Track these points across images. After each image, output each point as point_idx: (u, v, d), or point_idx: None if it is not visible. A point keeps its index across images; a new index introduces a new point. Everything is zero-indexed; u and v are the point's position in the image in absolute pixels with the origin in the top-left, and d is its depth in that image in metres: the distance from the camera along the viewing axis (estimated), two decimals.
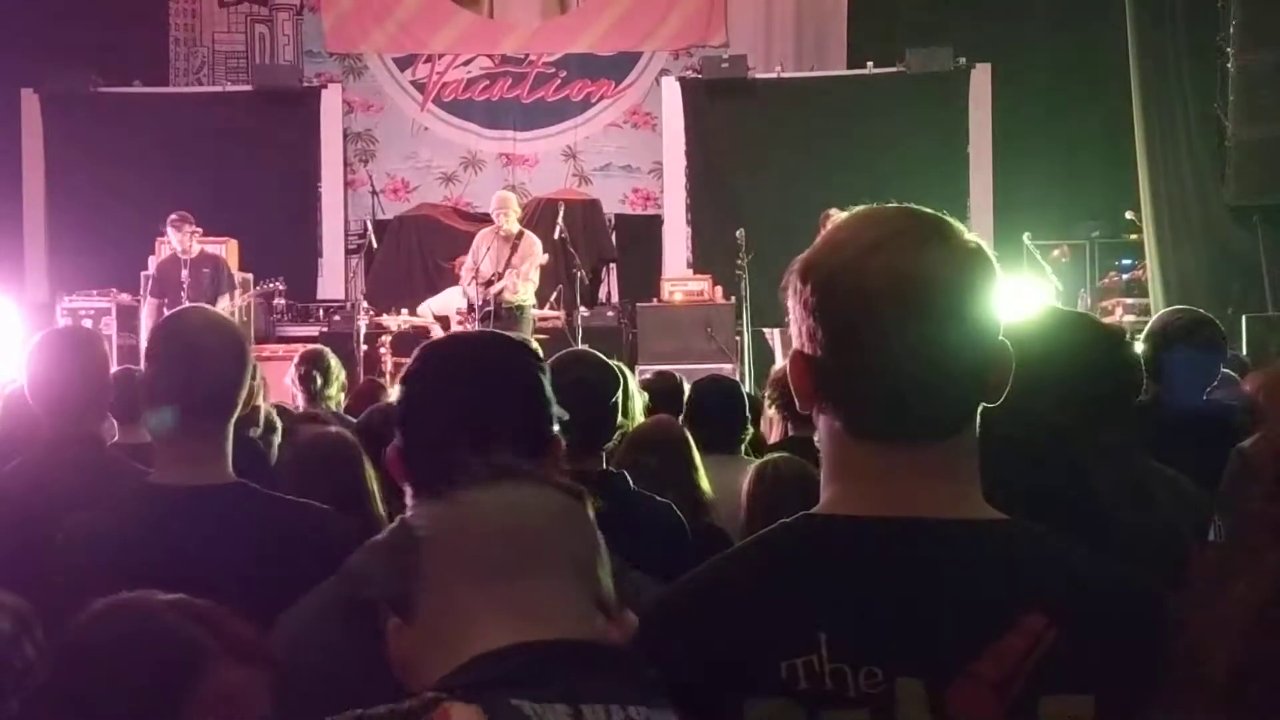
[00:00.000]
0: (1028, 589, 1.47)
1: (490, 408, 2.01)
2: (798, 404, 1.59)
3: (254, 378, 4.36)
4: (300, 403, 6.60)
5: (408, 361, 2.14)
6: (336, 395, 6.82)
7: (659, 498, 3.43)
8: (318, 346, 7.50)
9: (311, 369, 6.65)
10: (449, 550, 1.48)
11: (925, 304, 1.48)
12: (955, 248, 1.53)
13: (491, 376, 2.08)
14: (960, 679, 1.44)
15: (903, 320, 1.48)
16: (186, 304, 10.18)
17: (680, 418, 4.95)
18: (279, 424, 5.26)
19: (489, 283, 11.17)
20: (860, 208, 1.61)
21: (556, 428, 2.09)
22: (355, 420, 5.03)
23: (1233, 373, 5.56)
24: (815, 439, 1.61)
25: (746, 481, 4.02)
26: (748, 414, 5.11)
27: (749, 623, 1.50)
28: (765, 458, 4.22)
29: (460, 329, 11.24)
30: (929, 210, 1.60)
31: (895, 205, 1.61)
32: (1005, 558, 1.50)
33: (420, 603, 1.48)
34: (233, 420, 2.69)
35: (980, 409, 1.55)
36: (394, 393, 2.80)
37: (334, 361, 6.86)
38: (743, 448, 5.03)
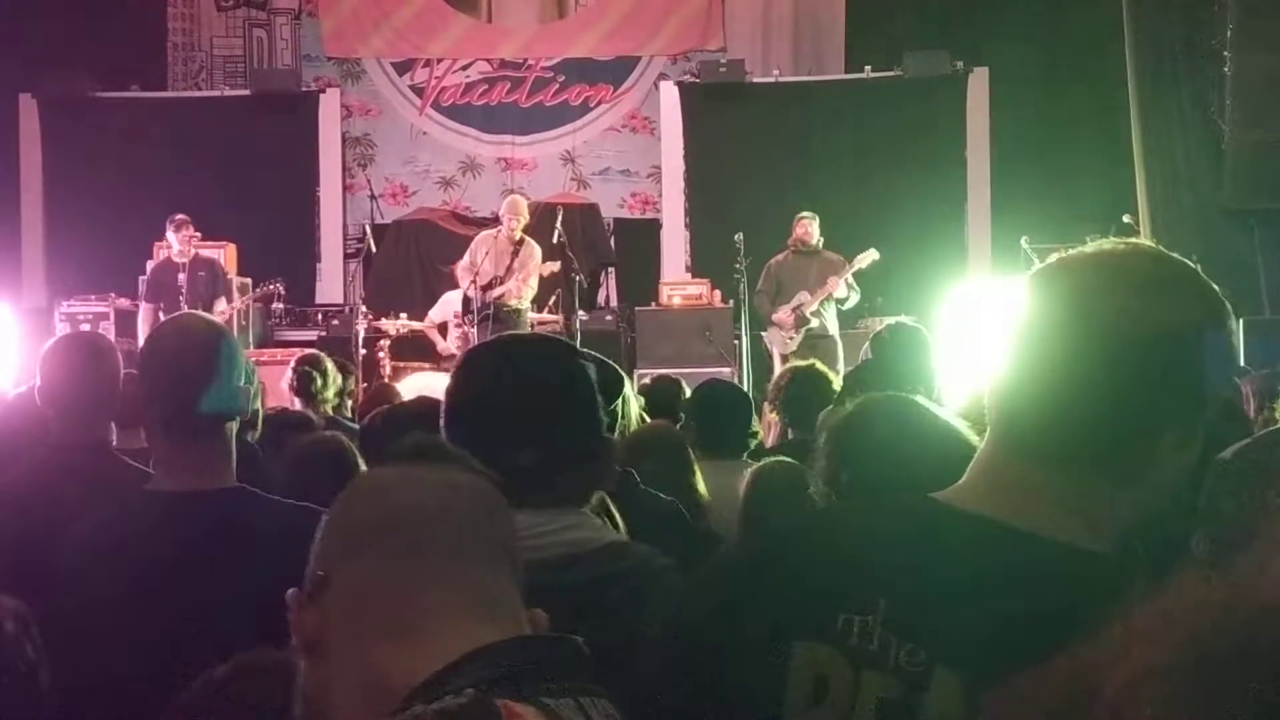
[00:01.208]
0: (1093, 620, 1.47)
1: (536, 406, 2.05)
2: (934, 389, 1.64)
3: (249, 381, 4.37)
4: (298, 408, 6.61)
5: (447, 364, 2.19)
6: (333, 399, 6.83)
7: (664, 497, 3.45)
8: (314, 351, 7.52)
9: (308, 373, 6.67)
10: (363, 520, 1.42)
11: (1091, 343, 1.50)
12: (1161, 305, 1.52)
13: (548, 400, 2.12)
14: (1000, 688, 1.44)
15: (1056, 353, 1.51)
16: (184, 308, 10.21)
17: (679, 422, 4.97)
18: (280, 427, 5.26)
19: (489, 285, 11.17)
20: (1110, 240, 1.61)
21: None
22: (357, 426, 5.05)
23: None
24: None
25: (744, 485, 4.03)
26: (752, 420, 5.11)
27: (822, 573, 1.55)
28: (762, 462, 4.23)
29: (458, 330, 11.26)
30: (1175, 256, 1.60)
31: (1137, 243, 1.62)
32: (1085, 586, 1.48)
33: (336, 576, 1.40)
34: (232, 423, 2.70)
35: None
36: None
37: (330, 366, 6.87)
38: (745, 453, 5.03)
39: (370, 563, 1.35)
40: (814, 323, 11.24)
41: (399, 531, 1.36)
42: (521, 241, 11.42)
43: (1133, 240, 1.62)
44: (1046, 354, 1.52)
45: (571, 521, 2.13)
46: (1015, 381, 1.55)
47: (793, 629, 1.51)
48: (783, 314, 11.33)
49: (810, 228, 11.47)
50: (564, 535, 2.09)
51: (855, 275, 11.24)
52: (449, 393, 2.22)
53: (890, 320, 7.47)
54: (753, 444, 5.09)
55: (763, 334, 11.81)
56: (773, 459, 4.22)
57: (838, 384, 5.51)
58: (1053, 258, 1.58)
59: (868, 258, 11.15)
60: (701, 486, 4.15)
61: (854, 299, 11.34)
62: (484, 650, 1.30)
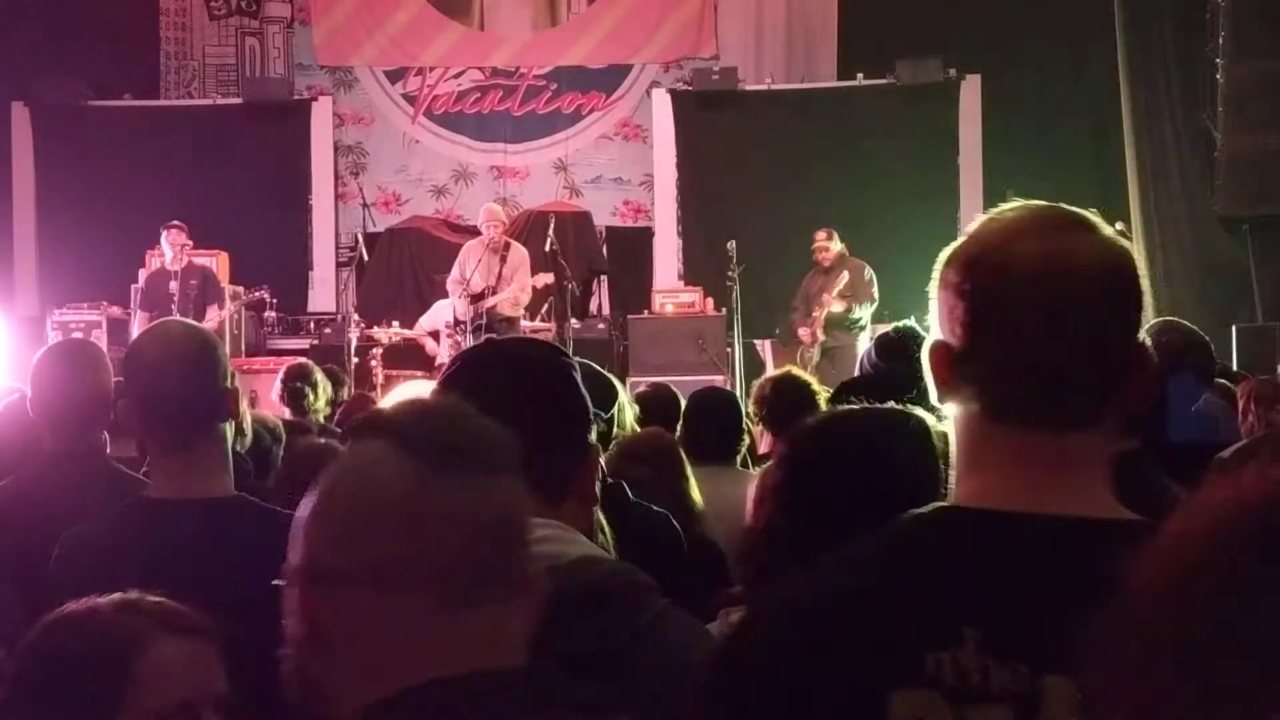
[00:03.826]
0: None
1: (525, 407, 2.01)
2: (935, 395, 1.59)
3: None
4: (287, 417, 6.59)
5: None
6: (324, 409, 6.82)
7: (656, 508, 3.44)
8: (303, 361, 7.51)
9: (297, 383, 6.65)
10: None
11: (1072, 284, 1.49)
12: (1104, 239, 1.54)
13: (526, 376, 2.06)
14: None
15: (1050, 298, 1.49)
16: (176, 316, 10.19)
17: (674, 429, 4.96)
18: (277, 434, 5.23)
19: (480, 296, 11.16)
20: (1011, 204, 1.61)
21: (594, 436, 2.08)
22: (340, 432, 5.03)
23: (1224, 382, 5.56)
24: None
25: (753, 488, 4.00)
26: (743, 425, 5.11)
27: (894, 615, 1.47)
28: (766, 465, 4.22)
29: (450, 341, 11.24)
30: (1078, 208, 1.61)
31: (1047, 203, 1.61)
32: None
33: None
34: (222, 425, 2.68)
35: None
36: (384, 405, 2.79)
37: (319, 375, 6.86)
38: (738, 459, 5.03)
39: (385, 598, 1.31)
40: (823, 337, 11.38)
41: (423, 575, 1.32)
42: (508, 246, 11.41)
43: (1033, 202, 1.61)
44: (1034, 310, 1.49)
45: (545, 534, 2.10)
46: (1004, 346, 1.51)
47: (881, 680, 1.44)
48: (804, 332, 11.53)
49: (826, 245, 11.62)
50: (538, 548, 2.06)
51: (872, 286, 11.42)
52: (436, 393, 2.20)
53: (886, 328, 7.48)
54: (742, 449, 5.10)
55: (755, 341, 11.87)
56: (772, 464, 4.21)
57: (821, 390, 5.51)
58: (984, 232, 1.57)
59: (839, 283, 11.33)
60: (696, 493, 4.14)
61: (860, 312, 11.38)
62: (442, 680, 1.29)
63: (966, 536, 1.52)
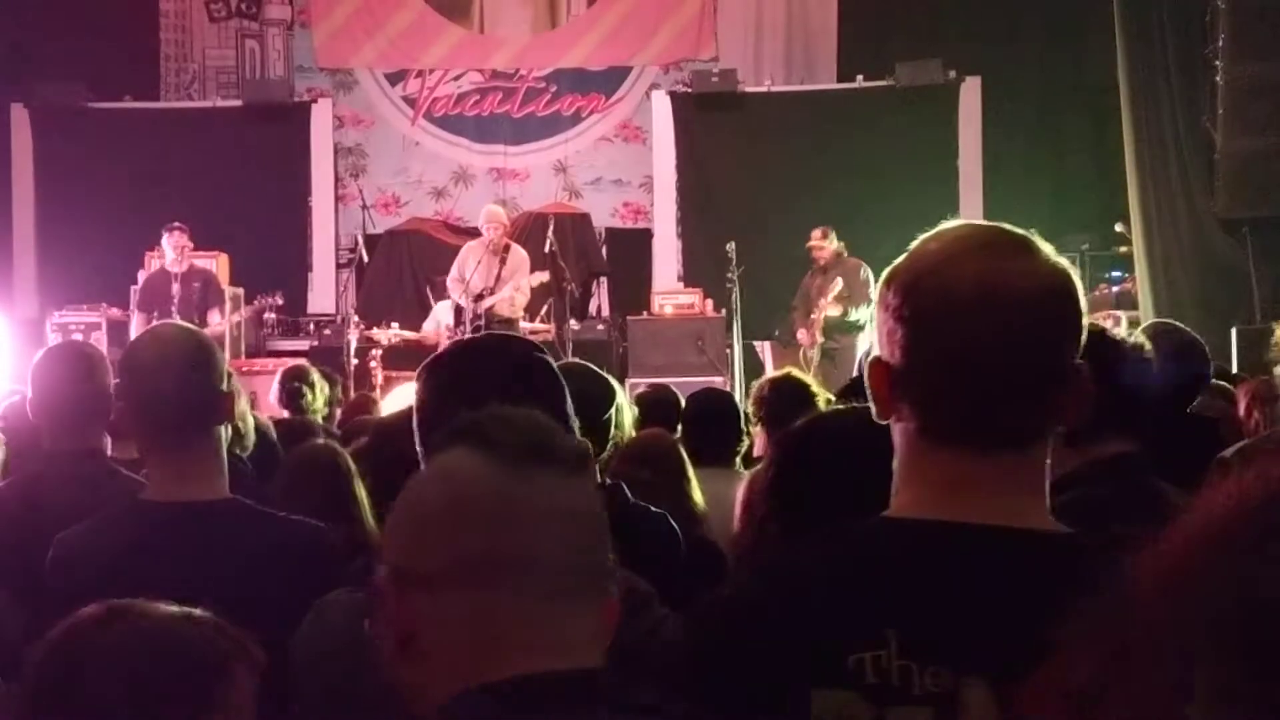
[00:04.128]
0: (1095, 599, 1.48)
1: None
2: (875, 412, 1.61)
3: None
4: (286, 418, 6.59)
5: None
6: (323, 409, 6.82)
7: (654, 509, 3.43)
8: (300, 362, 7.50)
9: (296, 388, 6.65)
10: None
11: (1009, 310, 1.51)
12: (1042, 262, 1.56)
13: (510, 372, 2.06)
14: (1027, 682, 1.44)
15: (986, 324, 1.51)
16: (177, 318, 10.20)
17: (674, 430, 4.96)
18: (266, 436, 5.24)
19: (480, 296, 11.17)
20: (952, 223, 1.63)
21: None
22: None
23: (1223, 383, 5.56)
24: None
25: (740, 490, 4.00)
26: (743, 427, 5.11)
27: (820, 615, 1.51)
28: (756, 468, 4.22)
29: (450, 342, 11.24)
30: (1019, 229, 1.62)
31: (986, 223, 1.65)
32: (1075, 566, 1.50)
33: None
34: (218, 428, 2.69)
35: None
36: (384, 406, 2.80)
37: (317, 376, 6.86)
38: (738, 460, 5.03)
39: (475, 596, 1.34)
40: (821, 339, 11.38)
41: (511, 572, 1.34)
42: (507, 248, 11.42)
43: (965, 221, 1.64)
44: (971, 336, 1.51)
45: None
46: (941, 370, 1.54)
47: (803, 679, 1.49)
48: (803, 334, 11.53)
49: (821, 244, 11.60)
50: None
51: (868, 287, 11.37)
52: (417, 395, 2.21)
53: None
54: (741, 450, 5.10)
55: (754, 343, 11.87)
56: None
57: (820, 391, 5.51)
58: (923, 253, 1.58)
59: (834, 287, 11.30)
60: (698, 495, 4.14)
61: (857, 314, 11.37)
62: (520, 678, 1.31)
63: (894, 544, 1.56)
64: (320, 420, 6.68)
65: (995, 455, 1.53)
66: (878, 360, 1.59)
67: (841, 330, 11.42)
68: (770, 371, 11.00)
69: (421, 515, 1.39)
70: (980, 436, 1.53)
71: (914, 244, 1.62)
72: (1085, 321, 1.57)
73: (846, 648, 1.47)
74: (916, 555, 1.53)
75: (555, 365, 2.14)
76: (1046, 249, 1.58)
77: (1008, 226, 1.63)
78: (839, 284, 11.34)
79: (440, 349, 2.20)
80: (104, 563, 2.50)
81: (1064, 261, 1.58)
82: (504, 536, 1.34)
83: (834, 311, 11.34)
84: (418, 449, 2.10)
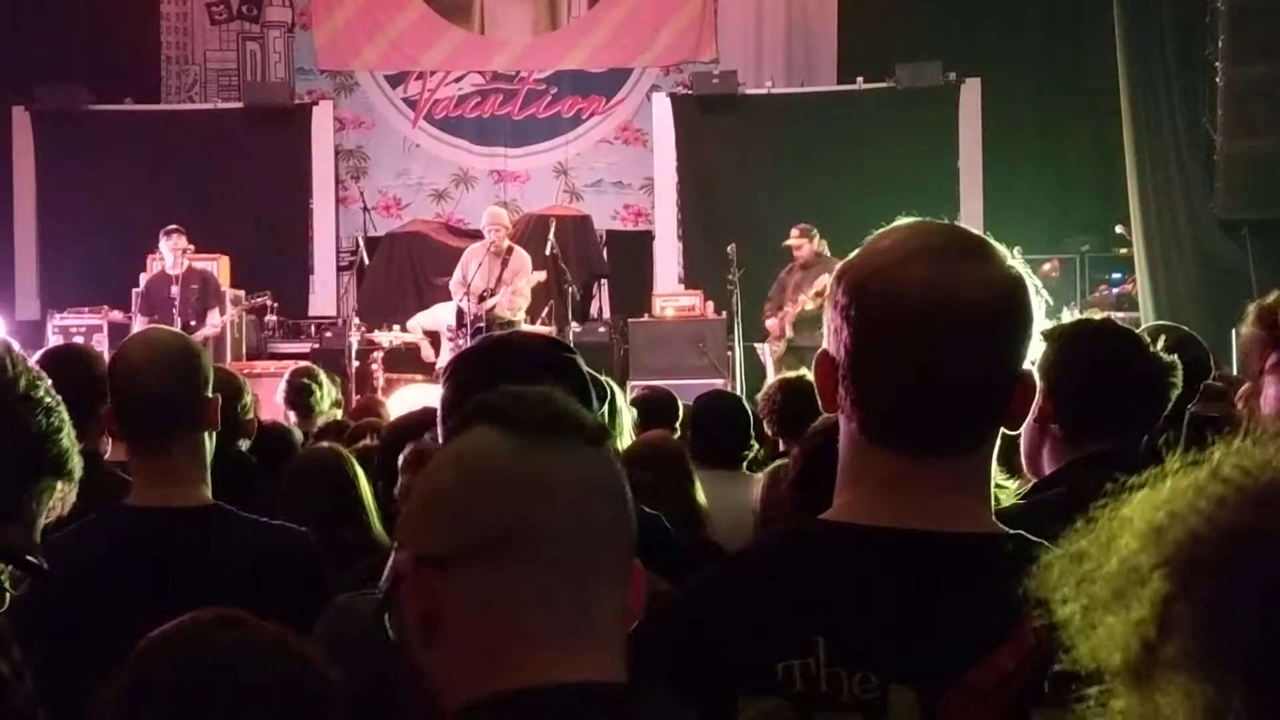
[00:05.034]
0: (1024, 603, 1.48)
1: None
2: (820, 405, 1.63)
3: (242, 396, 4.36)
4: (293, 421, 6.59)
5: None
6: (329, 411, 6.82)
7: (648, 510, 3.44)
8: (307, 364, 7.50)
9: (305, 385, 6.65)
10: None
11: (955, 317, 1.50)
12: (994, 267, 1.55)
13: (540, 366, 2.07)
14: (952, 688, 1.45)
15: (930, 330, 1.50)
16: (177, 320, 10.21)
17: (676, 433, 4.96)
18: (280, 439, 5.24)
19: (481, 298, 11.18)
20: (906, 220, 1.62)
21: None
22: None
23: (1219, 385, 5.56)
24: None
25: (759, 487, 4.00)
26: (750, 430, 5.10)
27: (748, 622, 1.51)
28: (776, 463, 4.22)
29: (451, 344, 11.25)
30: (975, 231, 1.61)
31: (942, 222, 1.63)
32: (1004, 571, 1.51)
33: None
34: (202, 436, 2.68)
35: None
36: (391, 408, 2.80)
37: (324, 378, 6.86)
38: (745, 464, 5.02)
39: (493, 573, 1.32)
40: (791, 334, 11.32)
41: (529, 546, 1.32)
42: (510, 250, 11.43)
43: (920, 219, 1.62)
44: (912, 342, 1.51)
45: None
46: (881, 372, 1.54)
47: (729, 685, 1.49)
48: (772, 323, 11.45)
49: (800, 243, 11.54)
50: None
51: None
52: (444, 388, 2.21)
53: None
54: (750, 455, 5.08)
55: (755, 345, 11.86)
56: (782, 462, 4.21)
57: None
58: (873, 253, 1.57)
59: (818, 284, 11.25)
60: (701, 496, 4.15)
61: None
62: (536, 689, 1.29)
63: (827, 549, 1.56)
64: (332, 420, 6.68)
65: (932, 458, 1.53)
66: (824, 354, 1.59)
67: (815, 329, 11.37)
68: (770, 374, 11.03)
69: (438, 493, 1.37)
70: (917, 440, 1.53)
71: (868, 240, 1.61)
72: (1035, 329, 1.55)
73: (775, 655, 1.47)
74: (846, 562, 1.53)
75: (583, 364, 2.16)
76: (1001, 253, 1.57)
77: (963, 227, 1.62)
78: (823, 280, 11.30)
79: (467, 346, 2.20)
80: (82, 568, 2.48)
81: (1017, 266, 1.57)
82: (523, 509, 1.32)
83: (811, 306, 11.25)
84: (440, 442, 2.11)
